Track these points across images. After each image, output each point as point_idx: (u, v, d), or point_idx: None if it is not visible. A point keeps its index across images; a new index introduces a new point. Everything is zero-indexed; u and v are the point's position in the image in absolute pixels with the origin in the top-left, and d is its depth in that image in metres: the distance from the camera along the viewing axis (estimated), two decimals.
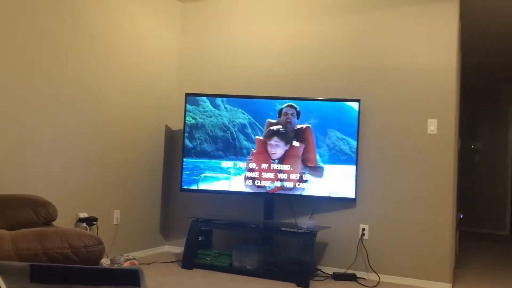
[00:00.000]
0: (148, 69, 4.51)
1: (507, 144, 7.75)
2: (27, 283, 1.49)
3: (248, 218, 4.41)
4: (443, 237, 3.83)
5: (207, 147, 4.20)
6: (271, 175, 4.10)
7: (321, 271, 4.14)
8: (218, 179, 4.19)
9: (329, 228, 4.14)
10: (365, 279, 4.00)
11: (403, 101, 4.03)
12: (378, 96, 4.12)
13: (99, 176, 3.97)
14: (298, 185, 4.06)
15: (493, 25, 4.88)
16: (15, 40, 3.23)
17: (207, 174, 4.20)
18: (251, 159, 4.12)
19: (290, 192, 4.08)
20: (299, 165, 4.07)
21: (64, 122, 3.63)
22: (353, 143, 4.02)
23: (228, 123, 4.19)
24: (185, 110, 4.25)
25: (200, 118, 4.23)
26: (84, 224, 3.76)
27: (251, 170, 4.12)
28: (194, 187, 4.22)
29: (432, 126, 3.92)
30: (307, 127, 4.04)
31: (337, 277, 3.97)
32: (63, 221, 3.55)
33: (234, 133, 4.18)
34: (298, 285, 3.68)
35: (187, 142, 4.24)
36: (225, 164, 4.18)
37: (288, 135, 4.07)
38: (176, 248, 4.75)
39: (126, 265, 3.78)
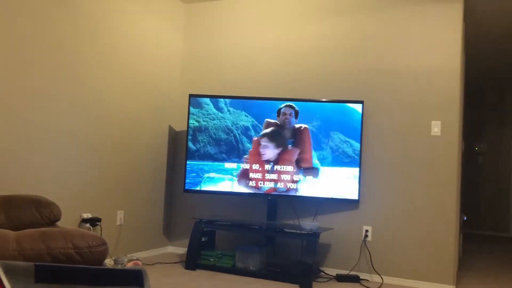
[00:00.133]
0: (152, 70, 4.52)
1: (510, 146, 7.73)
2: (31, 283, 1.49)
3: (251, 219, 4.41)
4: (447, 239, 3.82)
5: (211, 149, 4.21)
6: (261, 175, 4.10)
7: (324, 272, 4.14)
8: (221, 180, 4.19)
9: (332, 229, 4.13)
10: (368, 280, 4.00)
11: (406, 103, 4.03)
12: (381, 98, 4.11)
13: (103, 177, 3.98)
14: (293, 186, 4.06)
15: (497, 27, 4.87)
16: (18, 41, 3.24)
17: (210, 175, 4.20)
18: (247, 159, 4.13)
19: (293, 194, 4.08)
20: (293, 167, 4.07)
21: (68, 123, 3.64)
22: (356, 145, 4.02)
23: (232, 125, 4.20)
24: (189, 113, 4.26)
25: (204, 121, 4.24)
26: (88, 225, 3.77)
27: (245, 171, 4.12)
28: (197, 188, 4.22)
29: (436, 128, 3.91)
30: (304, 127, 4.04)
31: (340, 278, 3.96)
32: (67, 222, 3.56)
33: (238, 135, 4.18)
34: (301, 287, 3.68)
35: (190, 144, 4.25)
36: (228, 165, 4.18)
37: (280, 136, 4.07)
38: (179, 249, 4.75)
39: (129, 265, 3.78)
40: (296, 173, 4.07)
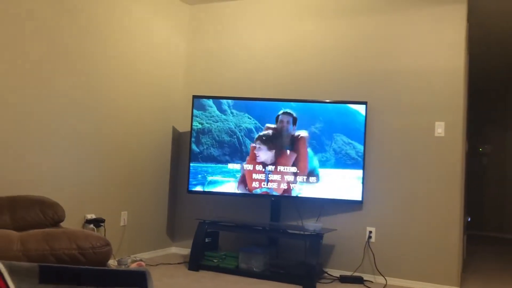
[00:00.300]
0: (155, 71, 4.53)
1: None
2: (36, 284, 1.49)
3: (255, 220, 4.41)
4: (451, 240, 3.81)
5: (214, 152, 4.21)
6: (263, 176, 4.11)
7: (328, 273, 4.13)
8: (224, 181, 4.19)
9: (335, 230, 4.13)
10: (372, 282, 3.99)
11: (410, 104, 4.02)
12: (385, 99, 4.11)
13: (107, 178, 3.99)
14: (296, 187, 4.06)
15: (501, 27, 4.85)
16: (24, 42, 3.26)
17: (214, 177, 4.21)
18: (248, 161, 4.13)
19: (296, 195, 4.08)
20: (289, 173, 4.07)
21: (72, 124, 3.66)
22: (360, 147, 4.02)
23: (235, 127, 4.20)
24: (192, 115, 4.26)
25: (207, 123, 4.24)
26: (92, 225, 3.78)
27: (248, 172, 4.13)
28: (201, 189, 4.23)
29: (440, 129, 3.91)
30: (301, 137, 4.05)
31: (343, 279, 3.96)
32: (71, 222, 3.57)
33: (241, 138, 4.19)
34: None
35: (194, 147, 4.25)
36: (231, 166, 4.19)
37: (275, 140, 4.07)
38: (183, 250, 4.76)
39: (133, 266, 3.79)
40: (296, 177, 4.07)
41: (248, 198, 4.46)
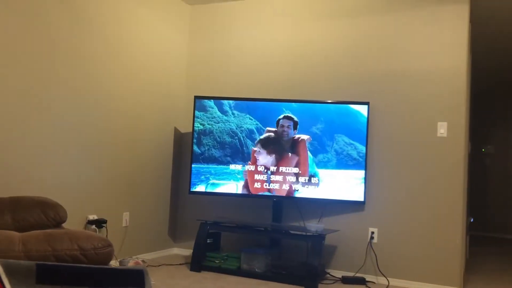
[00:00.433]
0: (158, 72, 4.53)
1: None
2: (33, 285, 1.48)
3: (257, 221, 4.41)
4: (453, 241, 3.80)
5: (215, 153, 4.21)
6: (261, 177, 4.10)
7: (330, 274, 4.12)
8: (226, 182, 4.19)
9: (338, 231, 4.12)
10: (374, 283, 3.98)
11: (412, 104, 4.01)
12: (387, 99, 4.10)
13: (109, 179, 3.99)
14: (298, 188, 4.05)
15: (504, 27, 4.84)
16: (26, 43, 3.26)
17: (215, 181, 4.20)
18: (250, 164, 4.13)
19: (298, 195, 4.07)
20: (290, 176, 4.06)
21: (74, 125, 3.66)
22: (361, 148, 4.01)
23: (236, 129, 4.20)
24: (194, 116, 4.26)
25: (208, 124, 4.24)
26: (94, 226, 3.78)
27: (250, 173, 4.13)
28: (202, 190, 4.23)
29: (442, 129, 3.90)
30: (301, 139, 4.04)
31: (346, 280, 3.95)
32: (73, 223, 3.57)
33: (242, 139, 4.18)
34: None
35: (195, 148, 4.25)
36: (233, 167, 4.18)
37: (275, 144, 4.07)
38: (185, 251, 4.75)
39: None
40: (298, 178, 4.07)
41: (249, 199, 4.46)
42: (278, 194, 4.11)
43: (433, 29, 3.98)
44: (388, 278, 3.97)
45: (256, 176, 4.14)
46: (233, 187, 4.18)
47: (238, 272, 3.99)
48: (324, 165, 4.06)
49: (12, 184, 3.18)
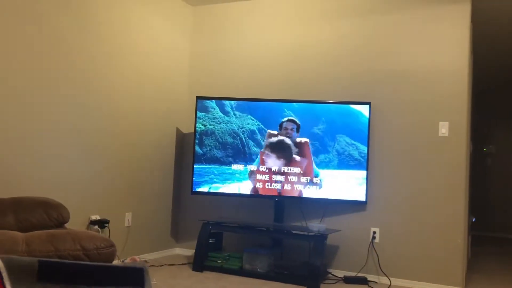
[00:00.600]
0: (160, 72, 4.54)
1: None
2: (34, 283, 1.48)
3: (259, 221, 4.41)
4: (455, 240, 3.80)
5: (217, 153, 4.22)
6: (268, 177, 4.11)
7: (332, 274, 4.13)
8: (228, 183, 4.20)
9: (340, 231, 4.12)
10: (376, 282, 3.98)
11: (414, 104, 4.02)
12: (388, 99, 4.10)
13: (111, 179, 4.00)
14: (300, 188, 4.06)
15: (506, 27, 4.84)
16: (27, 42, 3.27)
17: (217, 181, 4.21)
18: (257, 170, 4.14)
19: (300, 195, 4.08)
20: (299, 179, 4.06)
21: (76, 125, 3.67)
22: (363, 148, 4.01)
23: (238, 129, 4.21)
24: (196, 117, 4.27)
25: (210, 124, 4.25)
26: (96, 227, 3.79)
27: (252, 174, 4.13)
28: (204, 190, 4.23)
29: (444, 129, 3.90)
30: (305, 142, 4.05)
31: (348, 280, 3.95)
32: (75, 223, 3.58)
33: (244, 139, 4.19)
34: None
35: (197, 148, 4.26)
36: (235, 167, 4.19)
37: (281, 149, 4.08)
38: (187, 251, 4.76)
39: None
40: (300, 178, 4.07)
41: (251, 199, 4.46)
42: (280, 195, 4.11)
43: (434, 29, 3.98)
44: (390, 278, 3.97)
45: (263, 177, 4.14)
46: (235, 187, 4.19)
47: (240, 272, 4.00)
48: (325, 165, 4.06)
49: (14, 184, 3.19)
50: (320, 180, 4.05)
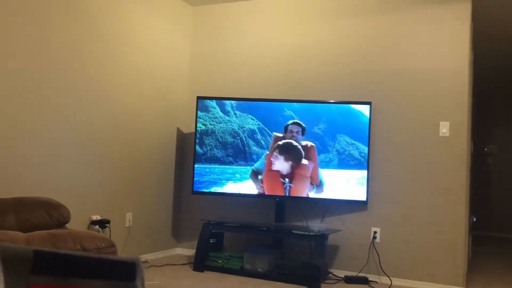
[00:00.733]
0: (160, 72, 4.54)
1: None
2: (27, 275, 1.47)
3: (259, 221, 4.41)
4: (456, 240, 3.80)
5: (217, 153, 4.22)
6: (274, 182, 4.11)
7: (333, 274, 4.13)
8: (229, 182, 4.20)
9: (340, 231, 4.12)
10: (377, 282, 3.98)
11: (414, 104, 4.01)
12: (389, 99, 4.10)
13: (112, 179, 4.01)
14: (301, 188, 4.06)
15: (506, 26, 4.84)
16: (28, 42, 3.27)
17: (218, 185, 4.21)
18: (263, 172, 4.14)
19: (301, 195, 4.08)
20: (306, 183, 4.06)
21: (77, 126, 3.67)
22: (363, 148, 4.01)
23: (238, 129, 4.21)
24: (196, 117, 4.27)
25: (210, 124, 4.25)
26: (97, 227, 3.79)
27: (255, 174, 4.14)
28: (205, 190, 4.24)
29: (444, 129, 3.90)
30: (311, 145, 4.05)
31: (348, 280, 3.95)
32: (76, 224, 3.58)
33: (244, 139, 4.19)
34: None
35: (197, 148, 4.26)
36: (236, 167, 4.19)
37: (289, 151, 4.07)
38: (188, 251, 4.76)
39: None
40: (307, 184, 4.07)
41: (252, 199, 4.46)
42: (282, 195, 4.11)
43: (435, 28, 3.98)
44: (390, 278, 3.97)
45: (267, 178, 4.14)
46: (236, 187, 4.19)
47: (241, 272, 4.00)
48: (326, 165, 4.06)
49: (15, 184, 3.20)
50: (323, 183, 4.04)
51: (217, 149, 4.23)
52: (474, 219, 5.99)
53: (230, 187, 4.20)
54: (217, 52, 4.83)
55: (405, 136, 4.03)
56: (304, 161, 4.05)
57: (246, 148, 4.19)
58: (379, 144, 4.11)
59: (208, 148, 4.24)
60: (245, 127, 4.21)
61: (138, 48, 4.25)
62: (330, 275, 4.12)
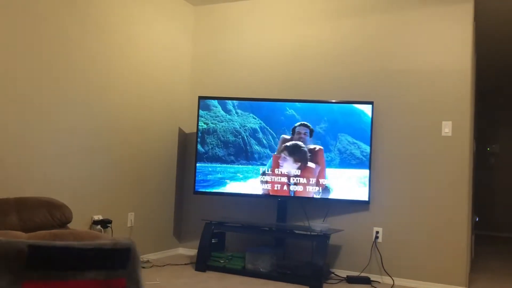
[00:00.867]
0: (162, 72, 4.54)
1: None
2: (22, 270, 1.45)
3: (261, 220, 4.41)
4: (459, 240, 3.79)
5: (219, 152, 4.22)
6: (280, 183, 4.11)
7: (335, 274, 4.12)
8: (230, 182, 4.20)
9: (342, 231, 4.12)
10: (379, 282, 3.98)
11: (417, 103, 4.01)
12: (391, 99, 4.10)
13: (114, 179, 4.01)
14: (303, 188, 4.06)
15: (509, 26, 4.82)
16: (29, 42, 3.28)
17: (220, 185, 4.21)
18: (269, 173, 4.12)
19: (303, 195, 4.08)
20: (312, 185, 4.05)
21: (79, 126, 3.68)
22: (364, 147, 4.01)
23: (240, 128, 4.21)
24: (198, 115, 4.27)
25: (212, 123, 4.25)
26: (99, 227, 3.79)
27: (266, 179, 4.13)
28: (207, 190, 4.24)
29: (447, 128, 3.89)
30: (319, 149, 4.04)
31: (350, 280, 3.95)
32: (78, 224, 3.59)
33: (246, 138, 4.19)
34: None
35: (199, 147, 4.26)
36: (237, 166, 4.19)
37: (297, 153, 4.06)
38: (190, 251, 4.77)
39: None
40: (313, 186, 4.06)
41: (254, 199, 4.46)
42: (280, 194, 4.11)
43: (437, 28, 3.97)
44: (393, 278, 3.97)
45: (270, 179, 4.13)
46: (238, 187, 4.18)
47: (242, 272, 4.00)
48: (327, 164, 4.06)
49: (17, 184, 3.20)
50: (330, 188, 4.02)
51: (218, 148, 4.23)
52: (477, 219, 5.98)
53: (232, 187, 4.19)
54: (219, 52, 4.83)
55: (407, 136, 4.02)
56: (311, 164, 4.04)
57: (248, 147, 4.18)
58: (381, 144, 4.10)
59: (210, 147, 4.24)
60: (246, 126, 4.21)
61: (139, 48, 4.25)
62: (332, 275, 4.12)
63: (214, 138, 4.25)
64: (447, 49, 3.93)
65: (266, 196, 4.15)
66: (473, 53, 4.06)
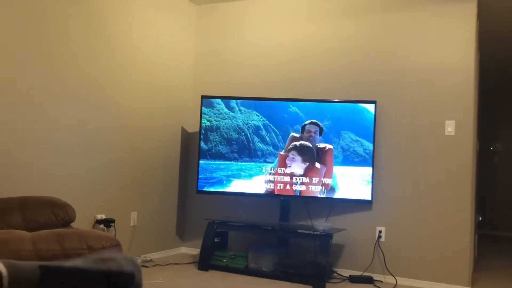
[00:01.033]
0: (165, 71, 4.54)
1: None
2: None
3: (264, 220, 4.41)
4: (461, 239, 3.78)
5: (222, 149, 4.22)
6: (285, 182, 4.10)
7: (338, 273, 4.12)
8: (233, 180, 4.20)
9: (345, 230, 4.11)
10: (382, 281, 3.97)
11: (420, 103, 4.00)
12: (394, 98, 4.09)
13: (117, 178, 4.01)
14: (305, 188, 4.06)
15: (511, 26, 4.81)
16: (32, 42, 3.28)
17: (223, 184, 4.21)
18: (273, 172, 4.11)
19: (306, 195, 4.07)
20: (317, 185, 4.04)
21: (82, 125, 3.68)
22: (367, 144, 4.00)
23: (243, 125, 4.20)
24: (201, 113, 4.27)
25: (215, 120, 4.25)
26: (102, 226, 3.80)
27: (271, 178, 4.13)
28: (210, 189, 4.24)
29: (450, 128, 3.88)
30: (329, 148, 4.02)
31: (353, 279, 3.94)
32: (81, 223, 3.59)
33: (249, 135, 4.19)
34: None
35: (202, 144, 4.26)
36: (240, 165, 4.19)
37: (306, 153, 4.05)
38: (193, 250, 4.77)
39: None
40: (319, 192, 4.06)
41: (257, 198, 4.46)
42: (285, 194, 4.11)
43: (440, 27, 3.96)
44: (396, 277, 3.96)
45: (274, 178, 4.13)
46: (241, 186, 4.18)
47: (245, 271, 4.00)
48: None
49: (21, 184, 3.21)
50: (335, 187, 4.01)
51: (221, 145, 4.23)
52: (480, 218, 5.97)
53: (235, 186, 4.19)
54: (222, 51, 4.83)
55: (410, 135, 4.01)
56: (318, 165, 4.03)
57: (251, 144, 4.18)
58: (384, 143, 4.10)
59: (213, 144, 4.24)
60: (249, 123, 4.20)
61: (142, 47, 4.25)
62: (335, 274, 4.12)
63: (217, 135, 4.25)
64: (450, 49, 3.92)
65: (270, 195, 4.15)
66: (476, 51, 4.05)
